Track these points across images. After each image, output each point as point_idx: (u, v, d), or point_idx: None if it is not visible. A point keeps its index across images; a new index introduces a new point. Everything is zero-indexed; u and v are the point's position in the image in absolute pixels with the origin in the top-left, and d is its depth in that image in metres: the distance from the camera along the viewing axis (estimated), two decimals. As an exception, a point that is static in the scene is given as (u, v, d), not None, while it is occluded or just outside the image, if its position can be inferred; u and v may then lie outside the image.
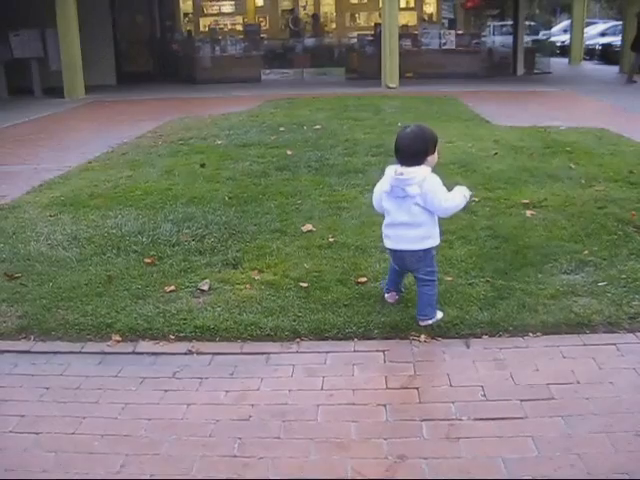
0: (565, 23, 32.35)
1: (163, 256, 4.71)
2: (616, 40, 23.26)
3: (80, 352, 3.53)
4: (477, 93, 14.93)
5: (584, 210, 5.44)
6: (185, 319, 3.77)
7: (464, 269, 4.32)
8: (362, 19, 24.72)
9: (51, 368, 3.38)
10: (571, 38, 26.44)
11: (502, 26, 23.59)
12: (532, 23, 24.48)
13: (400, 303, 3.87)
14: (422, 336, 3.54)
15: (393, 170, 3.59)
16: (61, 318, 3.83)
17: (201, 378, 3.24)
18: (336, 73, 20.03)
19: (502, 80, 18.08)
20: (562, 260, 4.42)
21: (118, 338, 3.63)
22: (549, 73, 20.70)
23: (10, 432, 2.83)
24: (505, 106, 12.79)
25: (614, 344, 3.42)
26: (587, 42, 27.65)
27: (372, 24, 22.10)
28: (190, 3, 24.59)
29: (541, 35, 25.45)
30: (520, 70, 20.22)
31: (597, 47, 27.14)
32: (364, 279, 4.20)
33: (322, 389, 3.11)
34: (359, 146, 8.25)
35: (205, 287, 4.17)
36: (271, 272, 4.38)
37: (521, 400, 2.95)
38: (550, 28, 30.86)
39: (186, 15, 24.79)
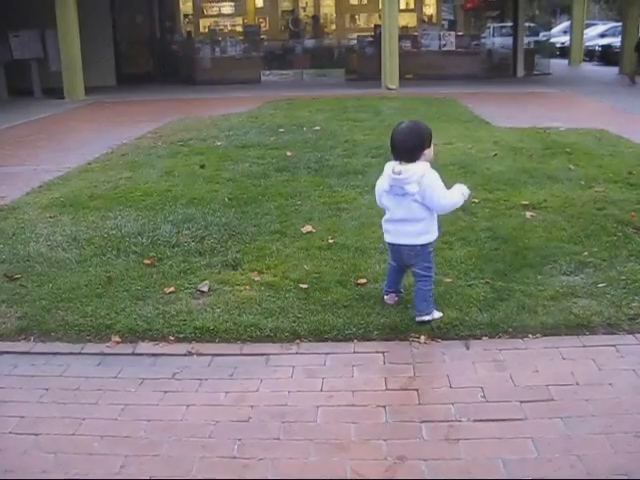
0: (565, 24, 32.37)
1: (163, 257, 4.71)
2: (616, 41, 23.28)
3: (80, 353, 3.53)
4: (477, 94, 14.94)
5: (584, 211, 5.44)
6: (185, 320, 3.77)
7: (464, 270, 4.32)
8: (362, 20, 24.74)
9: (51, 369, 3.38)
10: (571, 39, 26.48)
11: (502, 27, 23.62)
12: (532, 24, 24.49)
13: (400, 304, 3.87)
14: (422, 337, 3.54)
15: (391, 168, 3.60)
16: (61, 319, 3.83)
17: (201, 379, 3.24)
18: (336, 74, 20.04)
19: (502, 81, 18.08)
20: (562, 261, 4.42)
21: (118, 339, 3.63)
22: (549, 74, 20.72)
23: (10, 433, 2.83)
24: (505, 107, 12.79)
25: (614, 345, 3.42)
26: (587, 43, 27.68)
27: (372, 25, 22.12)
28: (190, 4, 24.60)
29: (541, 36, 25.46)
30: (520, 71, 20.23)
31: (597, 48, 27.17)
32: (364, 280, 4.20)
33: (322, 390, 3.11)
34: (359, 147, 8.26)
35: (205, 288, 4.17)
36: (271, 273, 4.38)
37: (521, 401, 2.95)
38: (550, 29, 30.89)
39: (186, 16, 24.80)
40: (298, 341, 3.56)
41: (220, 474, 2.55)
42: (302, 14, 24.39)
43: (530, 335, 3.54)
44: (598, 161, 7.26)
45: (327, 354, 3.43)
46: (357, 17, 24.94)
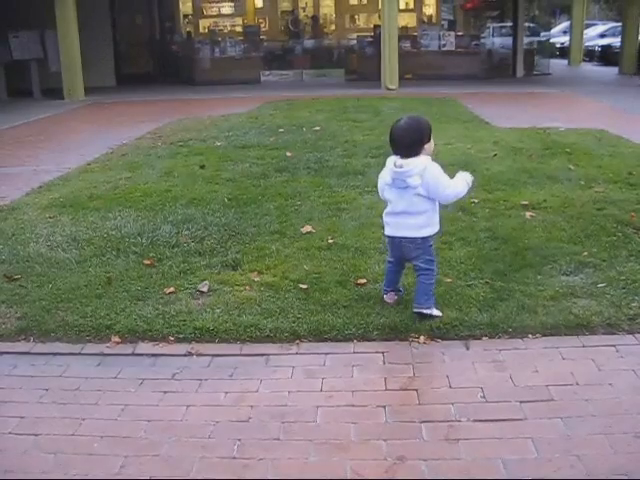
0: (564, 24, 32.37)
1: (162, 257, 4.71)
2: (615, 41, 23.26)
3: (79, 353, 3.53)
4: (476, 94, 14.94)
5: (583, 211, 5.44)
6: (184, 320, 3.77)
7: (463, 270, 4.32)
8: (362, 21, 24.74)
9: (50, 369, 3.38)
10: (570, 39, 26.47)
11: (502, 27, 23.62)
12: (532, 24, 24.50)
13: (399, 304, 3.87)
14: (421, 337, 3.54)
15: (393, 162, 3.62)
16: (60, 319, 3.83)
17: (200, 379, 3.24)
18: (335, 74, 20.05)
19: (501, 81, 18.07)
20: (561, 261, 4.42)
21: (117, 339, 3.63)
22: (549, 74, 20.72)
23: (10, 433, 2.83)
24: (504, 107, 12.79)
25: (613, 345, 3.42)
26: (586, 43, 27.67)
27: (372, 25, 22.12)
28: (190, 4, 24.60)
29: (541, 36, 25.46)
30: (520, 71, 20.23)
31: (596, 48, 27.16)
32: (363, 280, 4.20)
33: (321, 390, 3.11)
34: (358, 147, 8.26)
35: (204, 288, 4.17)
36: (270, 273, 4.38)
37: (520, 401, 2.95)
38: (550, 29, 30.88)
39: (186, 16, 24.81)
40: (298, 341, 3.56)
41: (220, 474, 2.55)
42: (302, 14, 24.40)
43: (530, 335, 3.54)
44: (598, 161, 7.26)
45: (327, 354, 3.43)
46: (357, 17, 24.95)
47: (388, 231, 3.82)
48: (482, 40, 21.97)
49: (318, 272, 4.36)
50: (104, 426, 2.87)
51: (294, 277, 4.29)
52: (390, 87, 16.14)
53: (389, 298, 3.90)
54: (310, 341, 3.57)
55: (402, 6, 21.42)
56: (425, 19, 24.21)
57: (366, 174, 6.80)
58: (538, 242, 4.78)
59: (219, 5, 24.41)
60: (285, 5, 24.77)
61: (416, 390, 3.09)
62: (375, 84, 16.47)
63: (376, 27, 19.69)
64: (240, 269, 4.49)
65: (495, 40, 22.67)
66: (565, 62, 25.57)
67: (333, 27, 24.85)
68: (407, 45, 19.33)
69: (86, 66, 15.88)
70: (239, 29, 23.36)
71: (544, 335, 3.54)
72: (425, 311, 3.68)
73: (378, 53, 16.91)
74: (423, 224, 3.67)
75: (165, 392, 3.14)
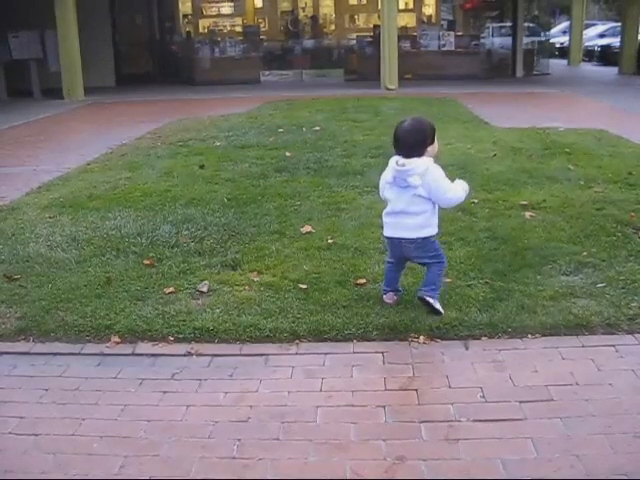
0: (564, 24, 32.38)
1: (162, 257, 4.71)
2: (615, 41, 23.27)
3: (79, 353, 3.53)
4: (476, 94, 14.94)
5: (583, 211, 5.44)
6: (184, 320, 3.77)
7: (463, 270, 4.32)
8: (361, 21, 24.76)
9: (50, 369, 3.38)
10: (570, 39, 26.48)
11: (501, 27, 23.64)
12: (531, 24, 24.52)
13: (399, 304, 3.87)
14: (421, 337, 3.54)
15: (395, 161, 3.63)
16: (60, 319, 3.83)
17: (200, 379, 3.24)
18: (335, 74, 20.05)
19: (501, 81, 18.08)
20: (561, 261, 4.42)
21: (117, 339, 3.63)
22: (548, 74, 20.73)
23: (9, 433, 2.83)
24: (504, 107, 12.79)
25: (613, 345, 3.42)
26: (586, 43, 27.69)
27: (371, 25, 22.14)
28: (189, 5, 24.61)
29: (540, 36, 25.47)
30: (519, 71, 20.25)
31: (596, 48, 27.17)
32: (363, 280, 4.20)
33: (321, 390, 3.11)
34: (358, 147, 8.26)
35: (204, 288, 4.17)
36: (270, 273, 4.38)
37: (520, 402, 2.95)
38: (549, 29, 30.88)
39: (185, 16, 24.81)
40: (297, 341, 3.56)
41: (220, 474, 2.55)
42: (301, 14, 24.41)
43: (529, 335, 3.54)
44: (597, 161, 7.26)
45: (326, 354, 3.43)
46: (356, 17, 24.97)
47: (387, 232, 3.83)
48: (482, 40, 22.00)
49: (318, 272, 4.36)
50: (104, 426, 2.87)
51: (294, 277, 4.29)
52: (390, 87, 16.14)
53: (388, 298, 3.91)
54: (310, 341, 3.57)
55: (402, 6, 21.43)
56: (425, 19, 24.22)
57: (365, 174, 6.81)
58: (538, 242, 4.78)
59: (219, 5, 24.42)
60: (285, 5, 24.78)
61: (416, 390, 3.09)
62: (375, 84, 16.48)
63: (376, 27, 19.71)
64: (240, 269, 4.49)
65: (495, 40, 22.70)
66: (565, 62, 25.59)
67: (333, 27, 24.86)
68: (407, 45, 19.35)
69: (86, 66, 15.89)
70: (239, 29, 23.37)
71: (544, 335, 3.54)
72: (429, 299, 3.70)
73: (378, 53, 16.92)
74: (421, 225, 3.68)
75: (165, 392, 3.13)
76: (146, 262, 4.62)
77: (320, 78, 19.90)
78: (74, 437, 2.80)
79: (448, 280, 4.13)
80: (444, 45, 19.99)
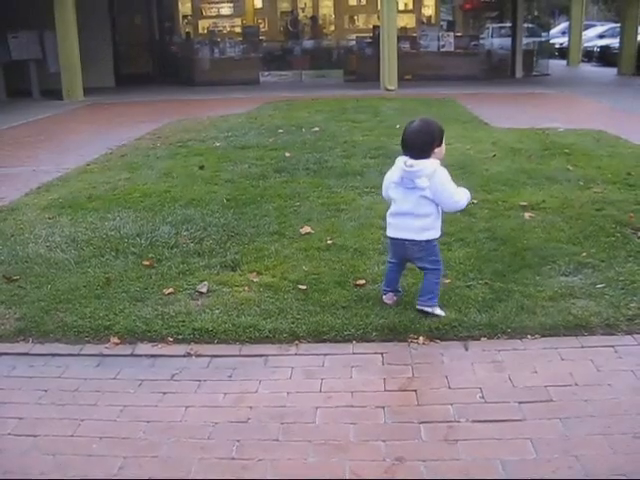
0: (563, 25, 32.40)
1: (161, 258, 4.71)
2: (614, 42, 23.29)
3: (78, 354, 3.53)
4: (476, 95, 14.95)
5: (582, 212, 5.44)
6: (183, 321, 3.77)
7: (462, 271, 4.32)
8: (361, 21, 24.77)
9: (49, 370, 3.38)
10: (569, 40, 26.50)
11: (501, 28, 23.65)
12: (530, 25, 24.54)
13: (398, 305, 3.87)
14: (420, 338, 3.54)
15: (403, 161, 3.63)
16: (59, 320, 3.83)
17: (199, 380, 3.24)
18: (335, 75, 20.06)
19: (501, 82, 18.09)
20: (560, 262, 4.42)
21: (116, 340, 3.62)
22: (547, 75, 20.75)
23: (9, 434, 2.83)
24: (504, 108, 12.80)
25: (612, 346, 3.43)
26: (585, 44, 27.71)
27: (371, 26, 22.13)
28: (189, 5, 24.62)
29: (540, 37, 25.49)
30: (519, 72, 20.26)
31: (595, 49, 27.20)
32: (362, 281, 4.20)
33: (320, 391, 3.11)
34: (357, 148, 8.26)
35: (203, 289, 4.17)
36: (269, 274, 4.38)
37: (519, 402, 2.95)
38: (548, 30, 30.90)
39: (185, 17, 24.82)
40: (297, 342, 3.56)
41: (219, 475, 2.55)
42: (301, 15, 24.42)
43: (529, 336, 3.54)
44: (597, 162, 7.26)
45: (326, 355, 3.43)
46: (356, 18, 24.98)
47: (390, 232, 3.83)
48: (481, 41, 22.02)
49: (317, 273, 4.36)
50: (103, 427, 2.87)
51: (293, 278, 4.29)
52: (389, 88, 16.15)
53: (388, 299, 3.91)
54: (309, 342, 3.57)
55: (401, 7, 21.49)
56: (424, 20, 24.24)
57: (365, 175, 6.81)
58: (537, 243, 4.79)
59: (218, 6, 24.43)
60: (284, 6, 24.79)
61: (415, 391, 3.09)
62: (374, 85, 16.48)
63: (375, 28, 19.72)
64: (239, 270, 4.48)
65: (494, 41, 22.72)
66: (564, 63, 25.61)
67: (332, 28, 24.88)
68: (406, 46, 19.35)
69: (85, 67, 15.89)
70: (238, 30, 23.38)
71: (543, 336, 3.54)
72: (427, 309, 3.70)
73: (377, 54, 16.92)
74: (426, 227, 3.68)
75: (164, 393, 3.13)
76: (145, 263, 4.62)
77: (319, 79, 19.91)
78: (73, 438, 2.80)
79: (447, 281, 4.13)
80: (443, 46, 20.00)
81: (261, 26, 23.80)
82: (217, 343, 3.59)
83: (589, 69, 24.65)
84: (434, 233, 3.74)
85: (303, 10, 24.60)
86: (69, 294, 4.15)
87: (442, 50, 19.92)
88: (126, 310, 3.92)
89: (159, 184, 6.77)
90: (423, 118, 3.84)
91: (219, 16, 24.54)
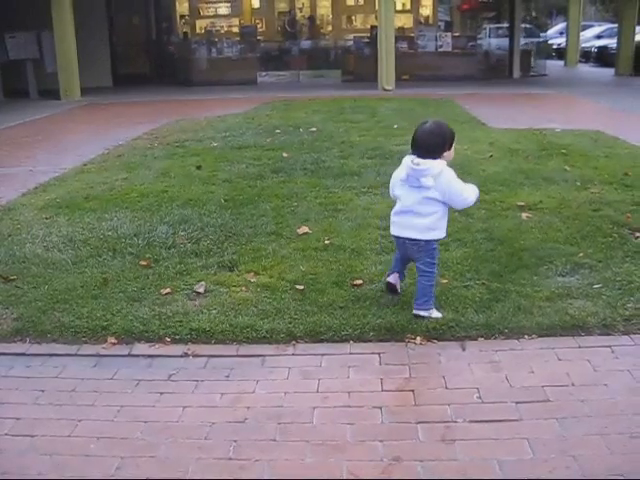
0: (561, 25, 32.44)
1: (159, 258, 4.71)
2: (612, 43, 23.34)
3: (76, 354, 3.52)
4: (473, 95, 14.96)
5: (579, 212, 5.45)
6: (181, 321, 3.76)
7: (459, 271, 4.32)
8: (358, 21, 24.75)
9: (47, 370, 3.37)
10: (567, 40, 26.52)
11: (498, 29, 23.67)
12: (528, 26, 24.56)
13: (396, 305, 3.87)
14: (418, 338, 3.54)
15: (410, 160, 3.64)
16: (57, 320, 3.82)
17: (197, 381, 3.24)
18: (332, 75, 20.06)
19: (498, 82, 18.12)
20: (557, 262, 4.43)
21: (114, 340, 3.62)
22: (545, 75, 20.77)
23: (6, 435, 2.83)
24: (501, 108, 12.81)
25: (609, 346, 3.43)
26: (583, 44, 27.75)
27: (368, 26, 22.13)
28: (186, 5, 24.59)
29: (537, 38, 25.52)
30: (516, 72, 20.29)
31: (593, 49, 27.25)
32: (360, 281, 4.20)
33: (318, 391, 3.11)
34: (355, 148, 8.27)
35: (201, 289, 4.17)
36: (267, 274, 4.38)
37: (516, 402, 2.95)
38: (546, 31, 30.96)
39: (182, 17, 24.79)
40: (294, 342, 3.56)
41: (216, 475, 2.55)
42: (298, 15, 24.41)
43: (526, 336, 3.55)
44: (594, 162, 7.28)
45: (323, 355, 3.43)
46: (353, 18, 24.96)
47: (393, 230, 3.83)
48: (479, 41, 22.05)
49: (314, 273, 4.36)
50: (100, 427, 2.86)
51: (290, 278, 4.29)
52: (387, 88, 16.16)
53: (392, 278, 3.91)
54: (306, 342, 3.57)
55: (399, 7, 21.48)
56: (422, 20, 24.23)
57: (362, 175, 6.81)
58: (534, 243, 4.79)
59: (216, 6, 24.40)
60: (282, 6, 24.77)
61: (412, 391, 3.09)
62: (372, 85, 16.48)
63: (373, 28, 19.71)
64: (236, 270, 4.48)
65: (492, 41, 22.74)
66: (561, 63, 25.65)
67: (330, 28, 24.86)
68: (404, 46, 19.40)
69: (83, 67, 15.88)
70: (236, 30, 23.38)
71: (540, 336, 3.55)
72: (423, 313, 3.69)
73: (375, 54, 16.94)
74: (429, 227, 3.68)
75: (161, 393, 3.13)
76: (143, 263, 4.61)
77: (317, 79, 19.92)
78: (70, 438, 2.80)
79: (444, 281, 4.14)
80: (441, 46, 20.03)
81: (259, 26, 23.79)
82: (214, 343, 3.58)
83: (587, 69, 24.68)
84: (439, 233, 3.73)
85: (301, 10, 24.59)
86: (66, 294, 4.15)
87: (440, 50, 19.96)
88: (123, 310, 3.92)
89: (156, 184, 6.77)
90: (436, 120, 3.85)
91: (216, 16, 24.51)
